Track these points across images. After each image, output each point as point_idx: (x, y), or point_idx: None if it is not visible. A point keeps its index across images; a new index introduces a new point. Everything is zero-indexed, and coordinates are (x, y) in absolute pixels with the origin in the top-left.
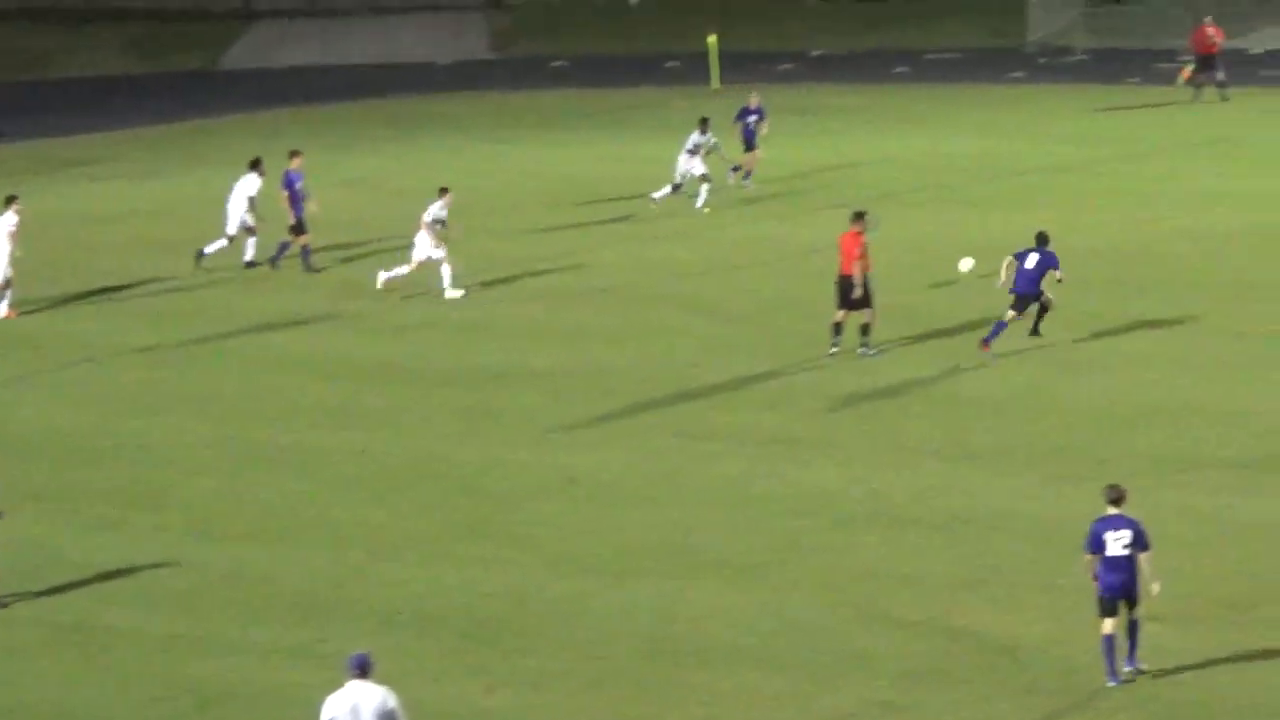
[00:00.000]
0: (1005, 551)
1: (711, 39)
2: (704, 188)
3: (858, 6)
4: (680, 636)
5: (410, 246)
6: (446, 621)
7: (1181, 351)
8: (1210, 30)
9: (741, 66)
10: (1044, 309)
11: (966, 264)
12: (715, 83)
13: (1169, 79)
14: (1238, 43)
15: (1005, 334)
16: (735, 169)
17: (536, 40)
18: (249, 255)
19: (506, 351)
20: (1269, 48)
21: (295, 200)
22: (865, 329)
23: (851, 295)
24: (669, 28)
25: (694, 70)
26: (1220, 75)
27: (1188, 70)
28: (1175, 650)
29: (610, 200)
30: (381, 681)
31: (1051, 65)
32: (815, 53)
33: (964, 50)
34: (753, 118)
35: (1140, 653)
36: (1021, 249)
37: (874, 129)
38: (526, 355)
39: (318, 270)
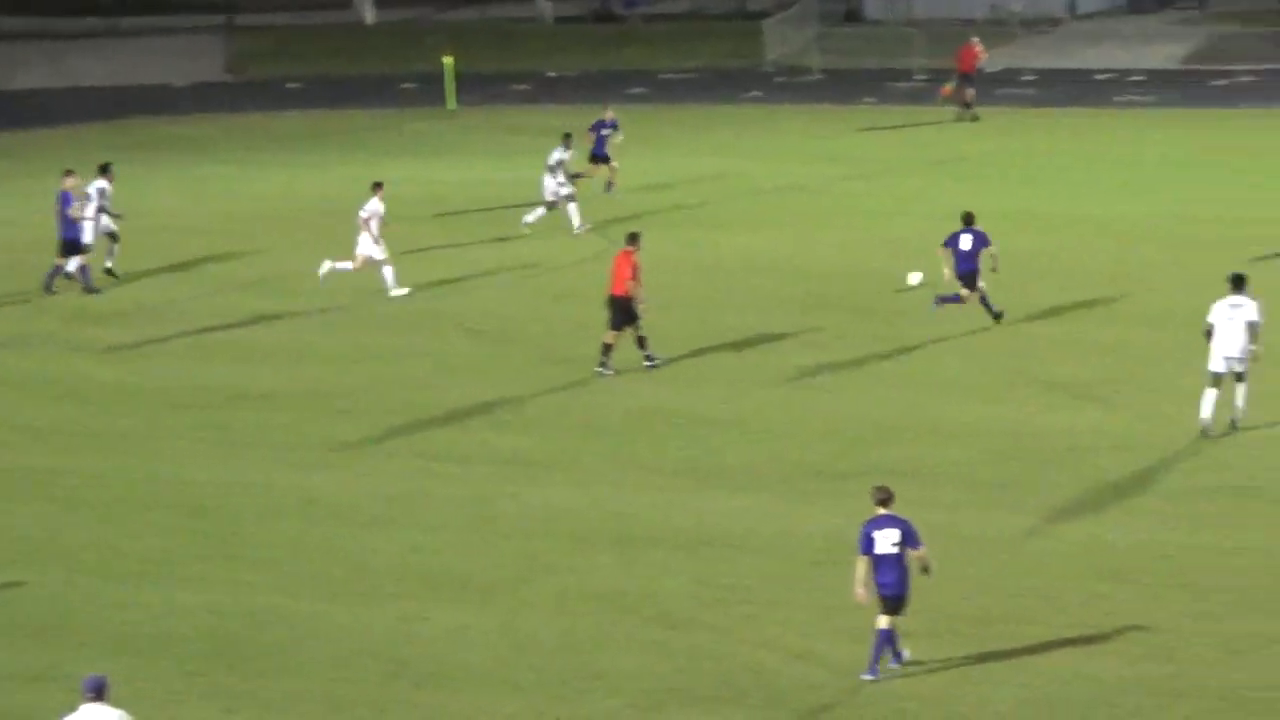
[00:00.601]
0: (746, 569)
1: (447, 60)
2: (572, 207)
3: (594, 27)
4: (420, 657)
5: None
6: (184, 644)
7: (916, 370)
8: (977, 50)
9: (477, 87)
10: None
11: (915, 278)
12: (451, 103)
13: (905, 98)
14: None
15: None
16: (576, 176)
17: (272, 62)
18: (108, 263)
19: (240, 373)
20: (1004, 67)
21: (66, 221)
22: (642, 341)
23: (622, 315)
24: (404, 49)
25: (429, 91)
26: (970, 94)
27: (949, 87)
28: (917, 665)
29: (343, 221)
30: (118, 705)
31: (789, 85)
32: (551, 74)
33: (701, 70)
34: (607, 130)
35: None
36: (951, 233)
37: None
38: (260, 377)
39: (96, 290)
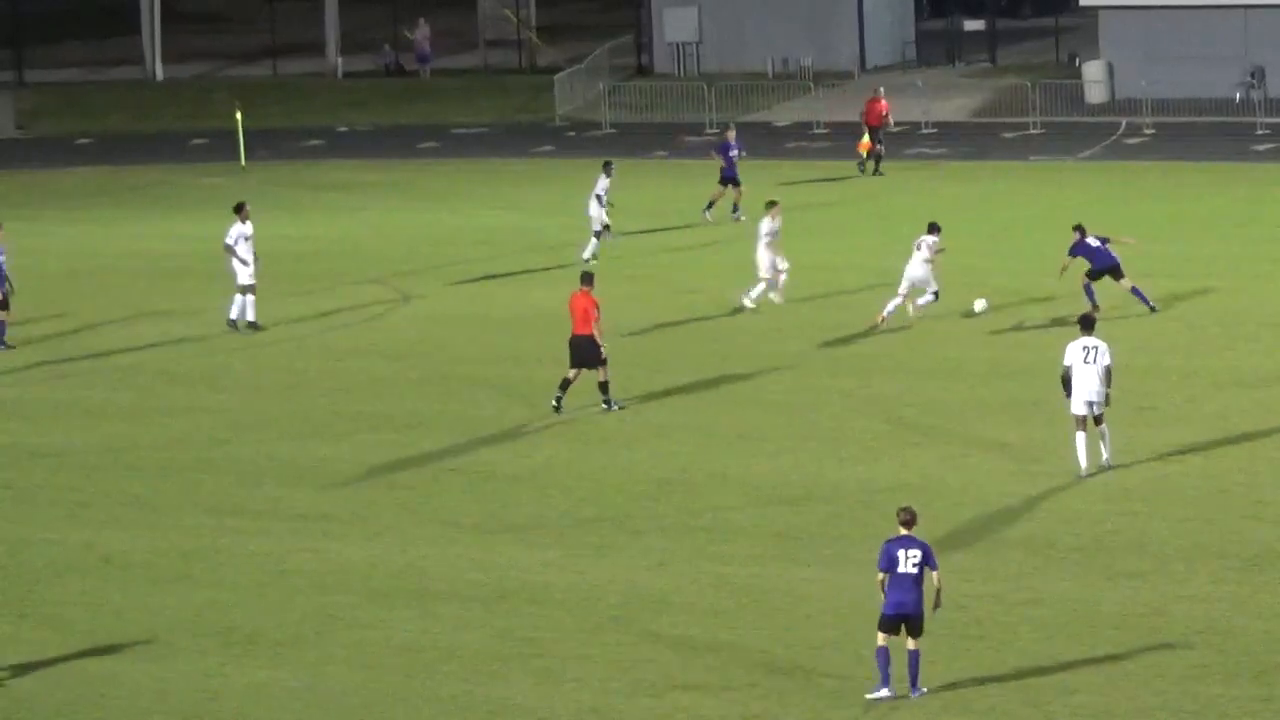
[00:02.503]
0: (544, 623)
1: (238, 116)
2: (593, 241)
3: (385, 82)
4: (218, 714)
5: None
6: None
7: (709, 421)
8: (883, 104)
9: (269, 143)
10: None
11: (980, 304)
12: (242, 159)
13: (693, 152)
14: (762, 115)
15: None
16: (709, 206)
17: (62, 118)
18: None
19: (33, 430)
20: (795, 120)
21: None
22: (604, 386)
23: (584, 355)
24: (195, 105)
25: (221, 147)
26: (879, 149)
27: (866, 143)
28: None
29: (134, 277)
30: None
31: (580, 139)
32: (342, 128)
33: (492, 125)
34: (734, 151)
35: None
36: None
37: (402, 204)
38: (52, 434)
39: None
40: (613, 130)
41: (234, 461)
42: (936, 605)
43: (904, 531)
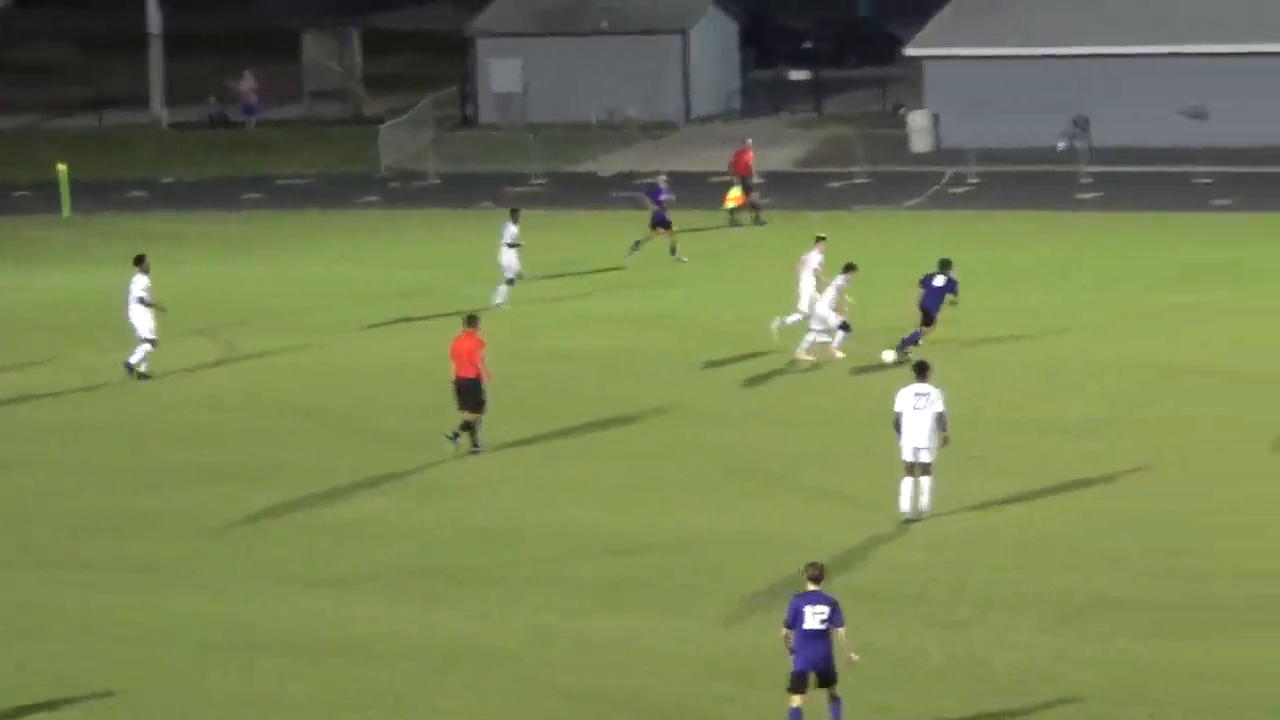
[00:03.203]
0: (371, 675)
1: (61, 167)
2: (503, 289)
3: (210, 134)
4: None
5: None
6: None
7: (538, 472)
8: (750, 153)
9: (93, 194)
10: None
11: (890, 355)
12: (66, 211)
13: (523, 202)
14: (587, 166)
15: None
16: (636, 245)
17: None
18: None
19: None
20: (617, 170)
21: None
22: (472, 427)
23: (470, 397)
24: (17, 156)
25: (44, 199)
26: (754, 197)
27: (736, 195)
28: None
29: None
30: None
31: (405, 190)
32: (166, 180)
33: (318, 176)
34: (664, 196)
35: None
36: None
37: (227, 256)
38: None
39: None
40: (438, 181)
41: (70, 514)
42: (848, 663)
43: (812, 587)
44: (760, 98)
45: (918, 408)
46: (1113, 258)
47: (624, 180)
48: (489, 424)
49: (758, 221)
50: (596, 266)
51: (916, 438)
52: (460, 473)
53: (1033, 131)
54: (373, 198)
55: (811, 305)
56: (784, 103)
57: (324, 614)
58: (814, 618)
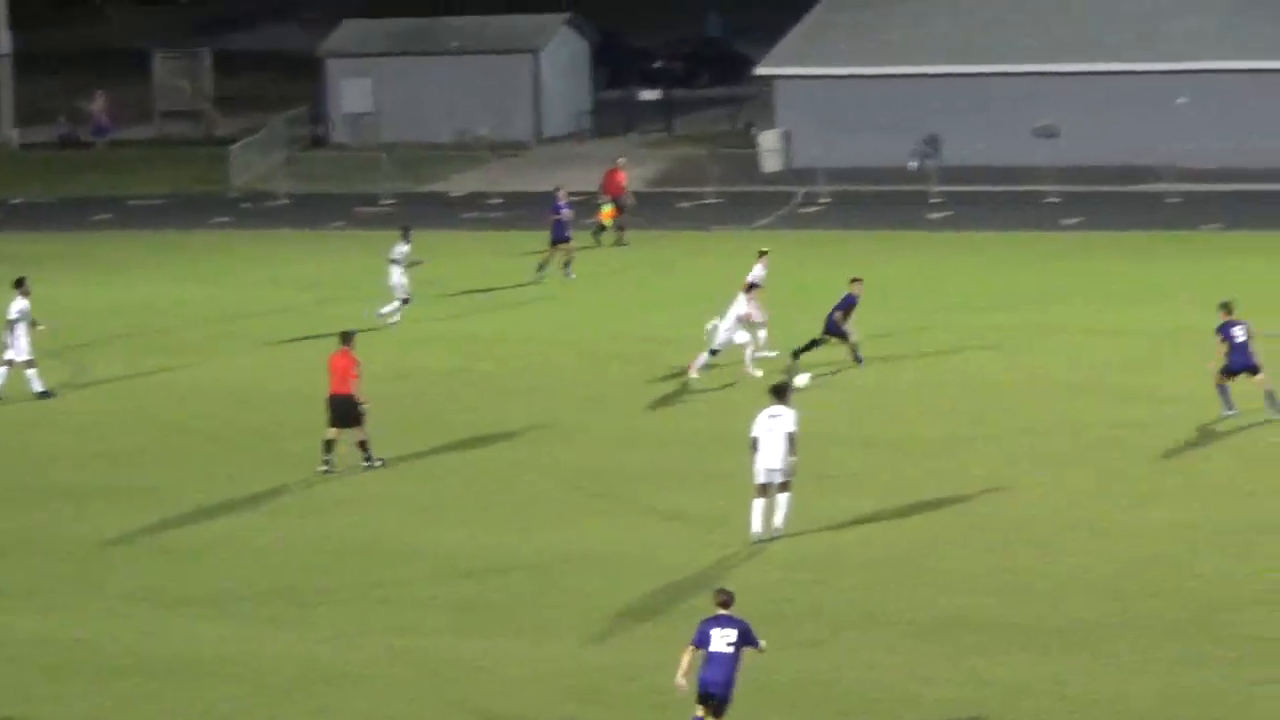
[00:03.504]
0: (218, 697)
1: None
2: (394, 304)
3: (61, 154)
4: None
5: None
6: None
7: (391, 492)
8: (622, 173)
9: None
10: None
11: (803, 379)
12: None
13: (374, 222)
14: (439, 186)
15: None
16: (542, 267)
17: None
18: None
19: None
20: (472, 190)
21: None
22: (363, 445)
23: (343, 414)
24: None
25: None
26: (623, 218)
27: (609, 211)
28: None
29: None
30: None
31: (256, 210)
32: (15, 200)
33: (169, 196)
34: (564, 211)
35: None
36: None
37: (77, 276)
38: None
39: None
40: (289, 201)
41: None
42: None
43: (721, 611)
44: (611, 117)
45: (771, 429)
46: (962, 277)
47: (478, 200)
48: (344, 443)
49: (620, 242)
50: (452, 288)
51: (770, 459)
52: (317, 493)
53: (884, 151)
54: (224, 218)
55: (727, 327)
56: (635, 123)
57: (174, 634)
58: (721, 640)
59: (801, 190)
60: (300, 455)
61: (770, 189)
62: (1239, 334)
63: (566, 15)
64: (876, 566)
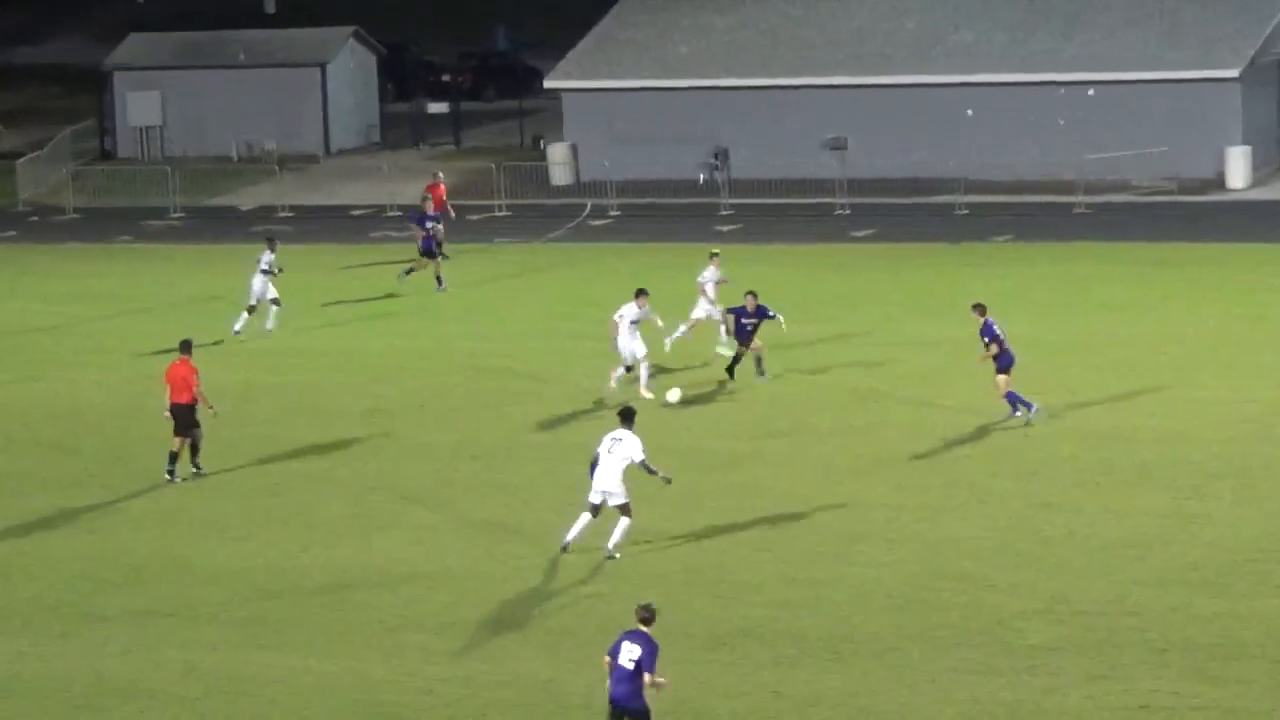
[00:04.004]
0: (8, 714)
1: None
2: (273, 310)
3: None
4: None
5: None
6: None
7: (172, 508)
8: (442, 187)
9: None
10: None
11: (674, 394)
12: None
13: (163, 236)
14: (227, 199)
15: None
16: (409, 271)
17: None
18: None
19: None
20: (260, 204)
21: None
22: (194, 449)
23: (186, 422)
24: None
25: None
26: (441, 230)
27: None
28: None
29: None
30: None
31: (43, 224)
32: None
33: None
34: (431, 224)
35: None
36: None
37: None
38: None
39: None
40: (77, 215)
41: None
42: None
43: (641, 627)
44: (400, 131)
45: (610, 451)
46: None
47: (267, 213)
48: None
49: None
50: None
51: (605, 481)
52: (111, 509)
53: (673, 163)
54: (10, 232)
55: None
56: (423, 135)
57: None
58: (626, 655)
59: (590, 203)
60: (90, 470)
61: (559, 202)
62: (1000, 331)
63: (354, 28)
64: (671, 579)
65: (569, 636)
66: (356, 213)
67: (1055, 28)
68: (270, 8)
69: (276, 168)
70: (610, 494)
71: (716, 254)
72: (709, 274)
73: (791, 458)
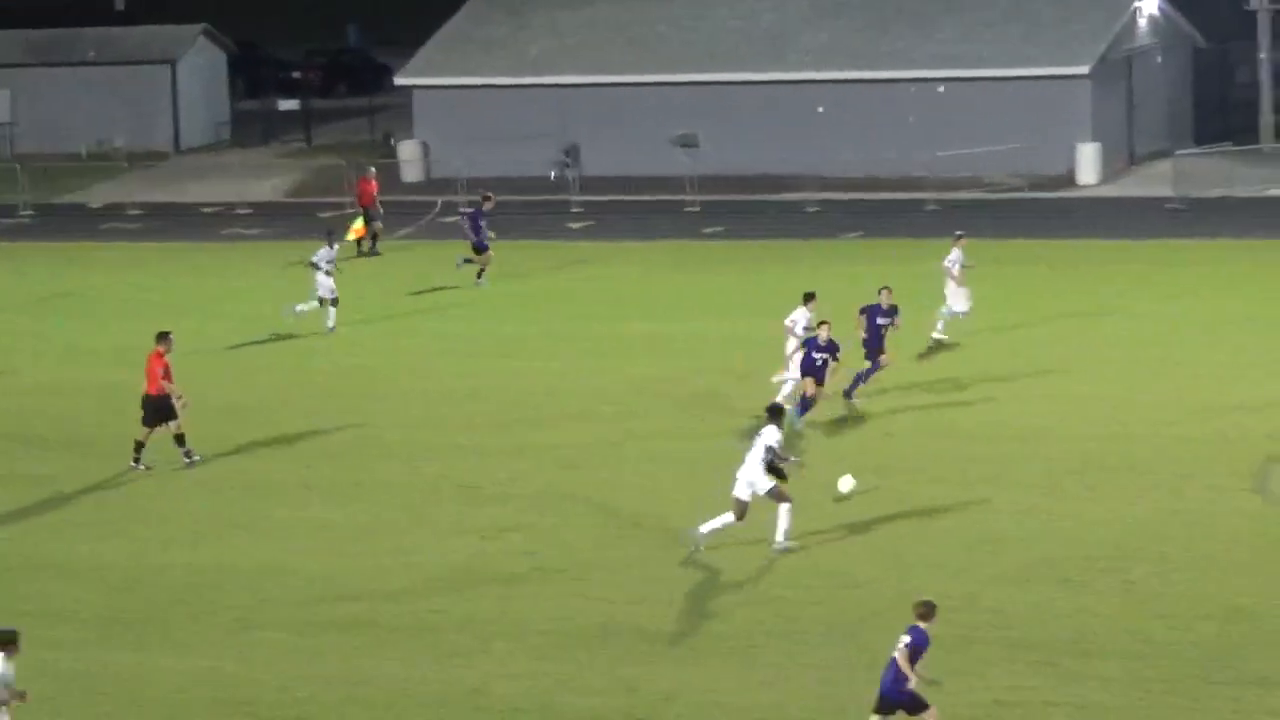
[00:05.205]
0: None
1: None
2: (332, 310)
3: None
4: None
5: None
6: None
7: (34, 507)
8: (373, 183)
9: None
10: None
11: (846, 483)
12: None
13: (7, 234)
14: (77, 197)
15: None
16: (467, 260)
17: None
18: None
19: None
20: (109, 202)
21: None
22: (181, 439)
23: (156, 413)
24: None
25: None
26: (378, 226)
27: (360, 226)
28: None
29: None
30: None
31: None
32: None
33: None
34: (484, 220)
35: None
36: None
37: None
38: None
39: None
40: None
41: None
42: None
43: (917, 622)
44: (250, 128)
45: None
46: (601, 286)
47: (117, 210)
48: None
49: (373, 251)
50: (105, 300)
51: (749, 471)
52: None
53: (524, 161)
54: None
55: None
56: (274, 133)
57: None
58: (896, 647)
59: (440, 200)
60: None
61: (410, 199)
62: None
63: (204, 26)
64: (525, 575)
65: (425, 634)
66: (207, 210)
67: (912, 27)
68: (120, 5)
69: (126, 165)
70: (755, 484)
71: (962, 235)
72: (954, 256)
73: (644, 453)
